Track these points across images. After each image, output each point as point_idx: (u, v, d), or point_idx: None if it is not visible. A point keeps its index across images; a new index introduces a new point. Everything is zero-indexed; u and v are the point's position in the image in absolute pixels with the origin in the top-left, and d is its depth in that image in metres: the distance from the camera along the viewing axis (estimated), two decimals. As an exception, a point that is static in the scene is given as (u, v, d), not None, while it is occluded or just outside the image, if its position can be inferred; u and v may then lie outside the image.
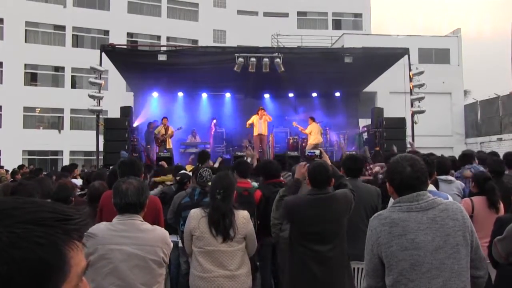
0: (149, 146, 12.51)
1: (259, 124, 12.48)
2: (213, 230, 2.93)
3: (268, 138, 12.92)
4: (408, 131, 11.79)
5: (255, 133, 12.57)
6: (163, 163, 7.57)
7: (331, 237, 2.99)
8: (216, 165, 8.57)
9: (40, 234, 0.64)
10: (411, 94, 11.41)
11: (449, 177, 4.45)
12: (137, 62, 11.12)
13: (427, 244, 1.86)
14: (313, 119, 12.57)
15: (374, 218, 2.01)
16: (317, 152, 3.37)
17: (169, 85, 13.08)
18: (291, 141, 13.51)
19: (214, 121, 13.97)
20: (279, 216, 3.68)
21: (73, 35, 25.79)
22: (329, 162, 3.35)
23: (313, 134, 12.31)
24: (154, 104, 13.91)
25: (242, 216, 3.03)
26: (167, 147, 11.92)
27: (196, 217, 3.01)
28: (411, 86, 11.34)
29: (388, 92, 21.23)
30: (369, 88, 15.13)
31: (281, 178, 4.54)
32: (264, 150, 12.43)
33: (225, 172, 3.33)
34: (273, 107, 14.39)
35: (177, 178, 4.89)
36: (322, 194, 3.03)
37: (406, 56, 11.29)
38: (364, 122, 15.42)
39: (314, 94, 14.55)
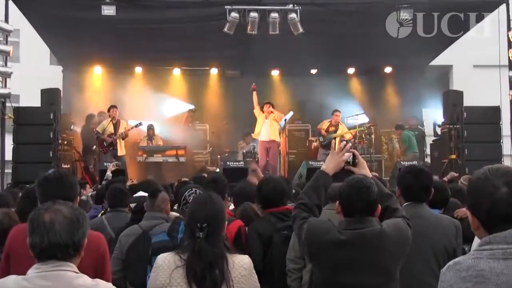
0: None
1: (266, 126, 12.59)
2: (195, 287, 2.92)
3: (278, 145, 12.91)
4: (506, 129, 11.78)
5: (259, 139, 12.67)
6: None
7: None
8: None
9: None
10: (510, 68, 11.43)
11: None
12: (69, 18, 11.10)
13: (539, 312, 1.85)
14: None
15: (449, 268, 2.01)
16: (350, 157, 3.33)
17: (121, 56, 13.18)
18: (314, 144, 13.54)
19: (191, 112, 14.00)
20: (299, 255, 3.66)
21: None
22: (369, 173, 3.37)
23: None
24: (96, 86, 13.96)
25: (241, 265, 3.02)
26: (118, 154, 11.96)
27: (168, 266, 2.98)
28: (510, 55, 11.35)
29: (472, 66, 21.20)
30: (439, 60, 15.16)
31: (289, 205, 4.52)
32: (272, 165, 12.46)
33: (207, 194, 3.33)
34: (285, 89, 14.42)
35: (132, 205, 4.90)
36: (363, 229, 3.03)
37: (503, 6, 11.27)
38: (431, 113, 15.41)
39: (350, 70, 14.63)
